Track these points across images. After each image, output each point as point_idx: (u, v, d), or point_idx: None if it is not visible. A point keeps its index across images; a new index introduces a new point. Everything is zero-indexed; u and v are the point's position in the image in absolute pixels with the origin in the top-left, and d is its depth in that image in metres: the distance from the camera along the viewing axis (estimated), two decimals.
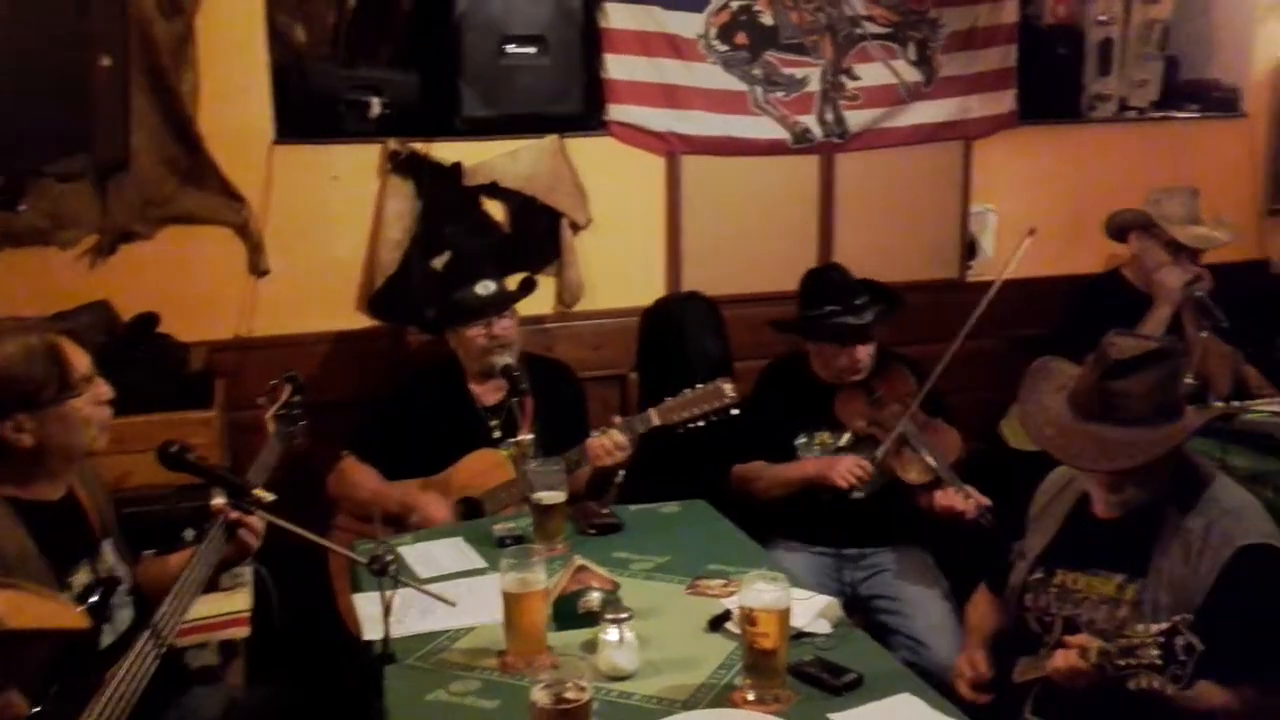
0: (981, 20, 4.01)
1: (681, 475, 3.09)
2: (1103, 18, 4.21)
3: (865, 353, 3.11)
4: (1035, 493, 2.23)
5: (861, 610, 3.05)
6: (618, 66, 3.68)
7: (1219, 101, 4.49)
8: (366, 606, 2.19)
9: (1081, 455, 1.93)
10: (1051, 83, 4.22)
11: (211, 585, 2.33)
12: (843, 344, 3.09)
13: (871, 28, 3.91)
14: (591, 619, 2.10)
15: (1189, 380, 3.37)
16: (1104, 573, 1.98)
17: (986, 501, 2.84)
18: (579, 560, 2.25)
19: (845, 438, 3.16)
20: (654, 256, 3.87)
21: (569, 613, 2.16)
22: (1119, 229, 3.74)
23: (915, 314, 3.37)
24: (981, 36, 4.03)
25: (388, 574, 2.01)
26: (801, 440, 3.19)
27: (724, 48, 3.77)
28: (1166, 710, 1.75)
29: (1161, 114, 4.41)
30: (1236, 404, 3.31)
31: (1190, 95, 4.49)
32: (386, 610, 2.02)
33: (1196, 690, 1.77)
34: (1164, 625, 1.63)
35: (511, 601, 2.00)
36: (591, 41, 3.65)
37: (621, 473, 2.91)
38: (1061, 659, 1.75)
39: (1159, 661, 1.60)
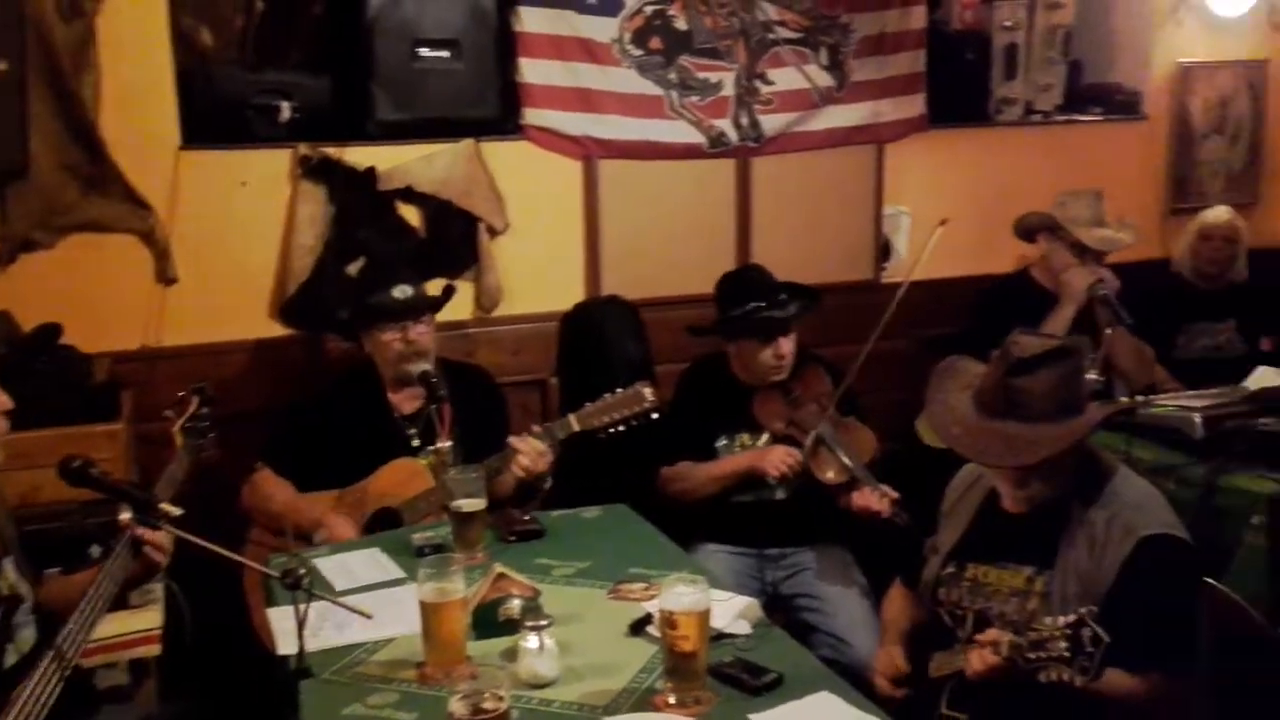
0: (891, 26, 4.08)
1: (604, 480, 3.09)
2: (1008, 23, 4.31)
3: (788, 346, 3.15)
4: (947, 489, 2.27)
5: (783, 609, 3.08)
6: (533, 70, 3.67)
7: (1121, 105, 4.63)
8: (280, 621, 2.15)
9: (987, 452, 1.97)
10: (960, 87, 4.31)
11: (120, 603, 2.27)
12: (767, 338, 3.12)
13: (784, 33, 3.95)
14: (512, 627, 2.08)
15: (1095, 377, 3.48)
16: (1013, 566, 2.02)
17: (897, 496, 2.88)
18: (498, 568, 2.23)
19: (764, 439, 3.19)
20: (573, 260, 3.87)
21: (489, 621, 2.14)
22: (1027, 231, 3.84)
23: (831, 315, 3.41)
24: (891, 42, 4.10)
25: (301, 587, 1.98)
26: (722, 442, 3.22)
27: (639, 52, 3.78)
28: (1076, 700, 1.79)
29: (1066, 117, 4.54)
30: (1140, 399, 3.41)
31: (1093, 99, 4.63)
32: (300, 624, 1.99)
33: (1104, 680, 1.82)
34: (1071, 618, 1.67)
35: (429, 611, 1.98)
36: (506, 45, 3.64)
37: (549, 481, 2.88)
38: (977, 659, 1.79)
39: (1067, 654, 1.64)
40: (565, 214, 3.84)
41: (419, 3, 3.46)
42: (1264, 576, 2.79)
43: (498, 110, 3.64)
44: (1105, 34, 4.73)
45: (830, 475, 3.05)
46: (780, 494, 3.17)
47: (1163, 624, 1.87)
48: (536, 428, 2.85)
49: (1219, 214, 4.14)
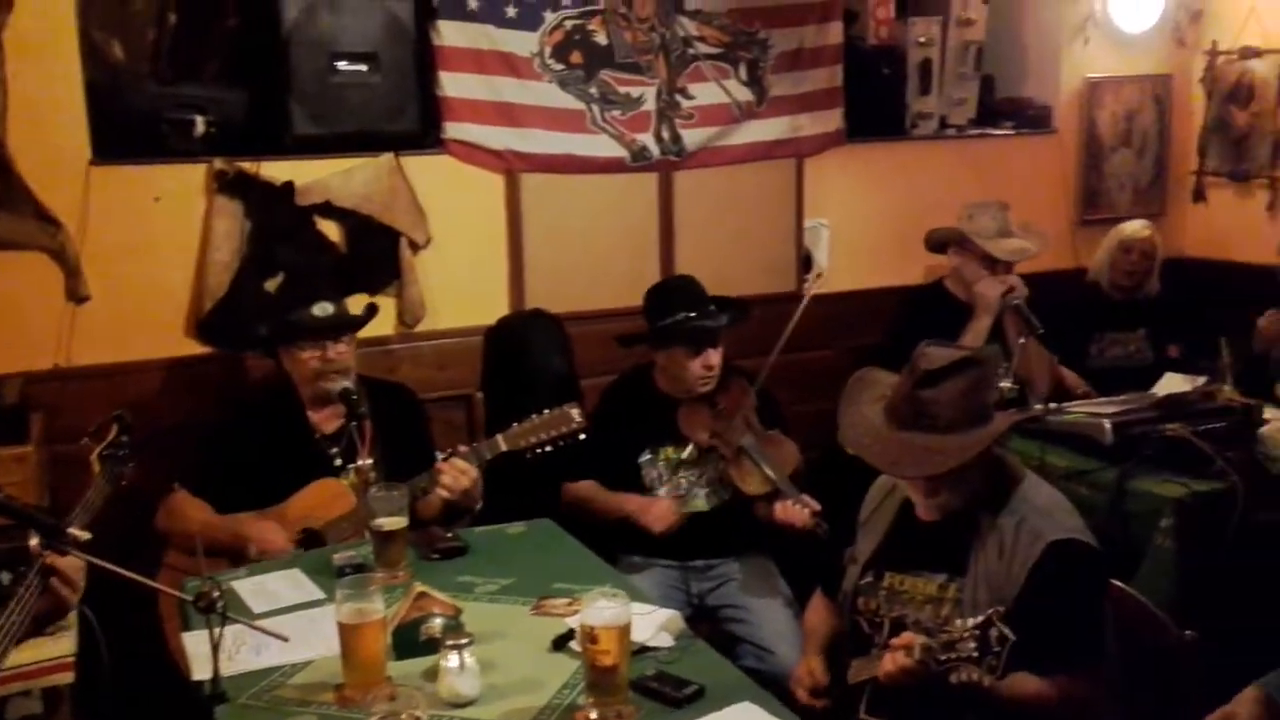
0: (808, 41, 4.14)
1: (530, 495, 3.09)
2: (922, 39, 4.40)
3: (717, 358, 3.17)
4: (864, 500, 2.31)
5: (709, 620, 3.10)
6: (453, 84, 3.66)
7: (1032, 119, 4.75)
8: (195, 645, 2.11)
9: (897, 463, 2.01)
10: (876, 102, 4.39)
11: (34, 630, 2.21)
12: (697, 349, 3.14)
13: (703, 48, 3.99)
14: (433, 646, 2.07)
15: (1009, 385, 3.56)
16: (927, 574, 2.06)
17: (818, 507, 2.92)
18: (419, 587, 2.22)
19: (689, 451, 3.21)
20: (497, 274, 3.86)
21: (410, 641, 2.12)
22: (937, 244, 3.92)
23: (755, 327, 3.45)
24: (809, 57, 4.16)
25: (215, 610, 1.94)
26: (646, 456, 3.23)
27: (559, 66, 3.79)
28: (988, 701, 1.83)
29: (979, 131, 4.64)
30: (1054, 405, 3.49)
31: (1005, 113, 4.74)
32: (215, 648, 1.96)
33: (1012, 680, 1.87)
34: (979, 619, 1.71)
35: (348, 632, 1.96)
36: (425, 59, 3.62)
37: (480, 502, 2.86)
38: (889, 662, 1.82)
39: (975, 654, 1.68)
40: (488, 227, 3.83)
41: (336, 16, 3.43)
42: (1172, 578, 2.88)
43: (418, 124, 3.62)
44: (1016, 50, 4.85)
45: (753, 487, 3.08)
46: (704, 506, 3.20)
47: (1070, 627, 1.92)
48: (463, 448, 2.82)
49: (1138, 228, 4.23)
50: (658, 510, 3.09)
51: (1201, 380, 3.54)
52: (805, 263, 4.36)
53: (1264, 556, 2.82)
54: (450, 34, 3.63)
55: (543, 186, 3.84)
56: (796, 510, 2.94)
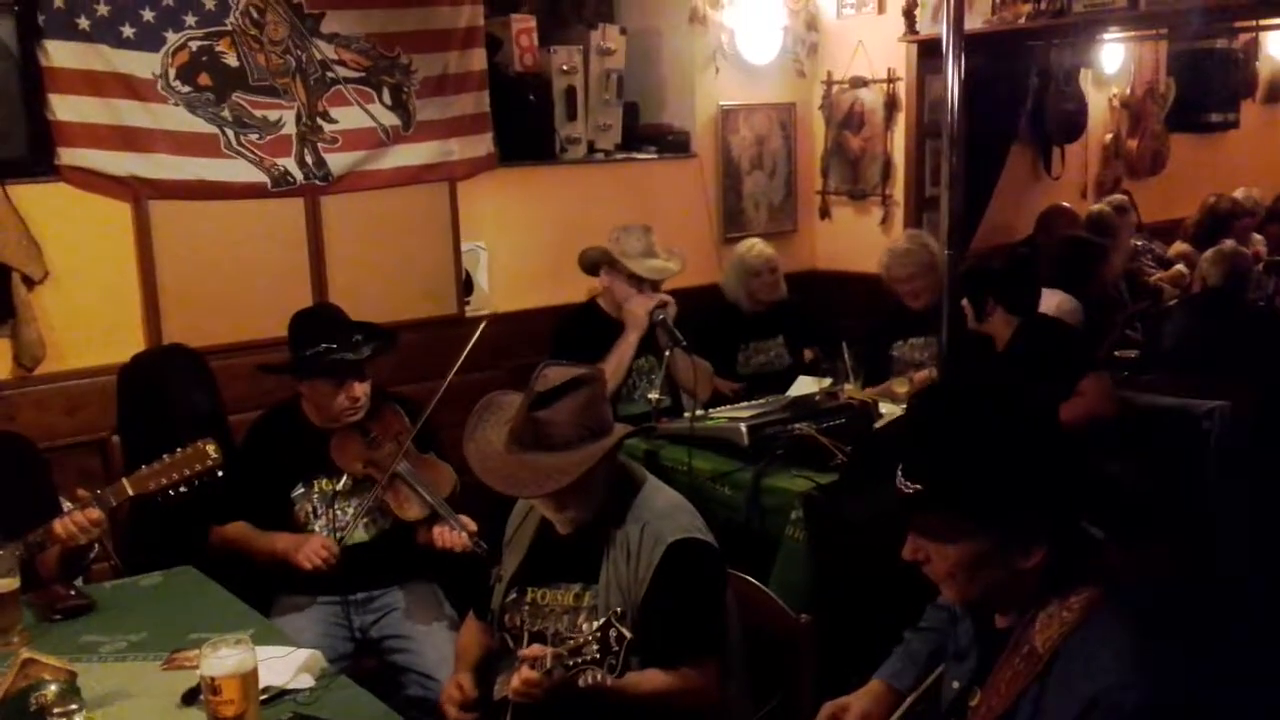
0: (452, 67, 4.18)
1: (173, 539, 2.91)
2: (565, 67, 4.55)
3: (362, 390, 3.11)
4: (508, 520, 2.35)
5: (375, 653, 3.04)
6: (65, 108, 3.41)
7: (672, 144, 5.02)
8: None
9: (519, 483, 2.07)
10: (526, 127, 4.49)
11: None
12: (340, 382, 3.06)
13: (343, 71, 3.94)
14: (44, 715, 1.91)
15: (657, 396, 3.75)
16: (564, 585, 2.13)
17: (474, 528, 2.94)
18: (25, 653, 2.03)
19: (343, 481, 3.13)
20: (129, 309, 3.63)
21: (20, 712, 1.94)
22: (590, 265, 4.05)
23: (416, 351, 3.43)
24: (453, 83, 4.20)
25: None
26: (299, 491, 3.12)
27: (186, 89, 3.61)
28: (617, 699, 1.92)
29: (625, 155, 4.85)
30: (700, 412, 3.70)
31: (648, 138, 4.99)
32: None
33: (637, 676, 1.96)
34: (600, 621, 1.78)
35: None
36: (33, 81, 3.35)
37: (96, 548, 2.67)
38: (516, 680, 1.86)
39: (598, 655, 1.75)
40: (116, 259, 3.59)
41: None
42: (803, 566, 3.12)
43: (27, 150, 3.35)
44: (655, 79, 5.12)
45: (412, 513, 3.05)
46: (363, 536, 3.13)
47: (691, 620, 2.04)
48: (83, 492, 2.63)
49: (758, 249, 4.48)
50: (310, 547, 2.98)
51: (828, 382, 3.87)
52: (467, 286, 4.38)
53: (876, 543, 3.10)
54: (59, 55, 3.38)
55: (176, 214, 3.64)
56: (454, 535, 2.95)
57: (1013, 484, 1.43)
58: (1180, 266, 5.73)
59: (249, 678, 1.79)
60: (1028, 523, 1.43)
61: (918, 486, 1.47)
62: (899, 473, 1.50)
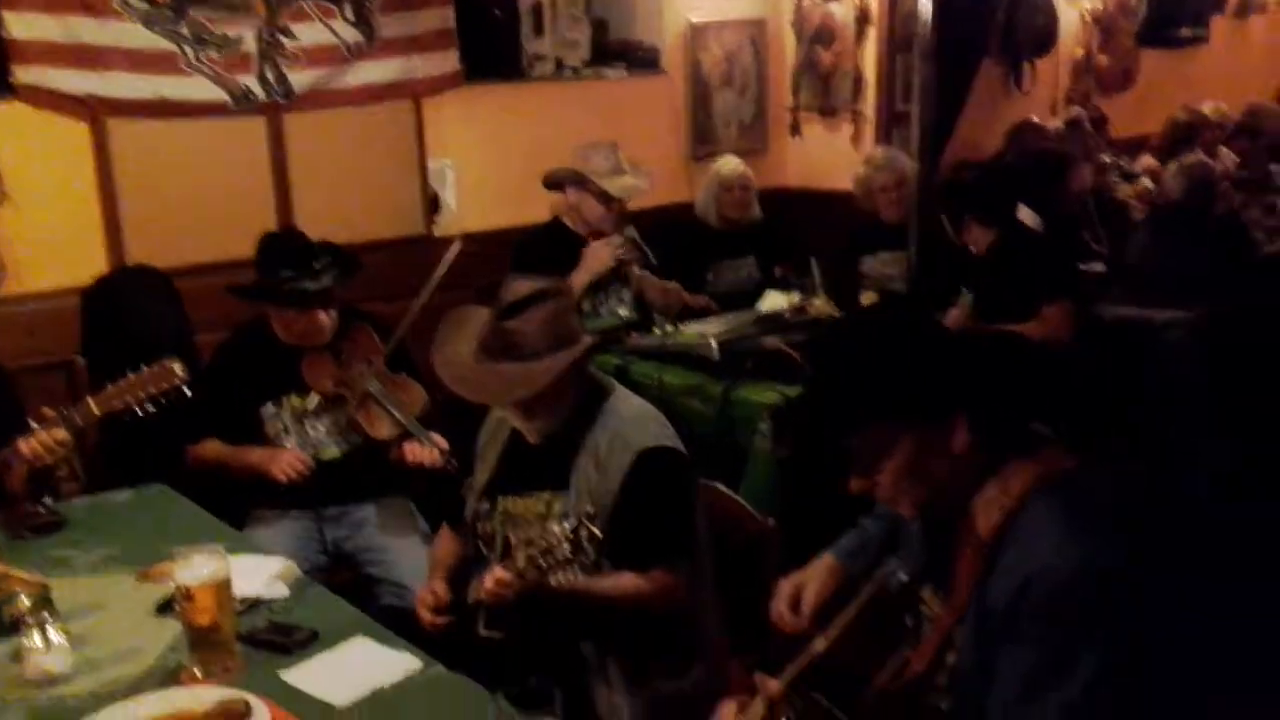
0: None
1: (145, 458, 2.92)
2: None
3: (325, 317, 3.10)
4: (480, 433, 2.37)
5: (349, 566, 3.08)
6: (20, 25, 3.34)
7: (642, 60, 4.95)
8: None
9: (489, 391, 2.09)
10: (492, 43, 4.42)
11: None
12: (302, 309, 3.05)
13: None
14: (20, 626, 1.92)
15: (628, 312, 3.77)
16: (535, 493, 2.15)
17: (446, 446, 2.96)
18: None
19: (314, 400, 3.14)
20: (90, 231, 3.59)
21: None
22: (556, 183, 4.02)
23: (383, 271, 3.41)
24: None
25: None
26: (270, 409, 3.13)
27: (143, 5, 3.54)
28: (588, 597, 1.96)
29: (593, 72, 4.78)
30: (671, 328, 3.72)
31: (617, 54, 4.91)
32: None
33: (610, 577, 2.00)
34: (572, 523, 1.81)
35: None
36: None
37: (63, 468, 2.67)
38: (489, 580, 1.89)
39: (570, 555, 1.78)
40: (75, 180, 3.54)
41: None
42: (770, 475, 3.17)
43: None
44: None
45: (383, 431, 3.07)
46: (335, 453, 3.15)
47: (662, 525, 2.07)
48: (49, 412, 2.62)
49: (732, 165, 4.48)
50: (285, 459, 3.00)
51: (797, 296, 3.88)
52: (433, 204, 4.34)
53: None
54: None
55: (137, 134, 3.59)
56: (425, 450, 2.97)
57: (911, 369, 1.47)
58: (1145, 180, 5.74)
59: (223, 586, 1.81)
60: (939, 399, 1.46)
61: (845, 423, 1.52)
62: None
